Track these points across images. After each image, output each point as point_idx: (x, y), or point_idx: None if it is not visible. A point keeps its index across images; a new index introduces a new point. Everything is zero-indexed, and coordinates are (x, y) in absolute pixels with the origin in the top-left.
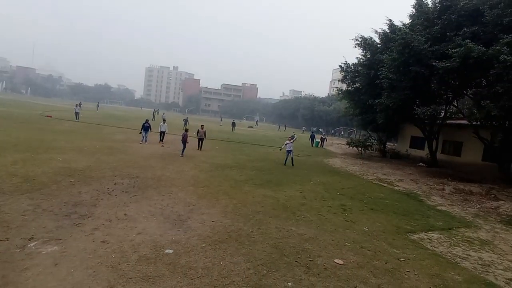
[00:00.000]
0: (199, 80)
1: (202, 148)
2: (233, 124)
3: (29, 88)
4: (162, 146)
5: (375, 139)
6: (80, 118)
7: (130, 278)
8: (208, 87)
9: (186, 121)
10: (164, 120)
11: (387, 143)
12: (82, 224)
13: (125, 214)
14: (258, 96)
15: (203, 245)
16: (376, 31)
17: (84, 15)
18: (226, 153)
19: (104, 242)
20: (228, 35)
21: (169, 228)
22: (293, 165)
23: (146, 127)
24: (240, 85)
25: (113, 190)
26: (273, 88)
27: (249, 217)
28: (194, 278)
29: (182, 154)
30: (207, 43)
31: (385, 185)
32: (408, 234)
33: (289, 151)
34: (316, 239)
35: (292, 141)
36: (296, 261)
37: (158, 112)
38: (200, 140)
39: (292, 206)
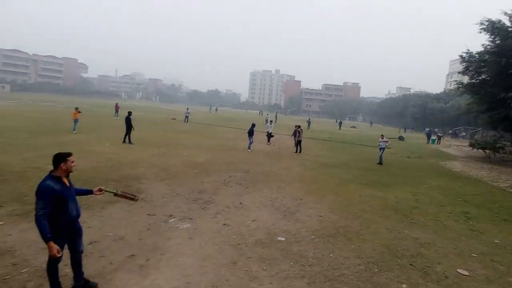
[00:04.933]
0: (300, 81)
1: (301, 150)
2: (340, 124)
3: (157, 96)
4: (268, 144)
5: (507, 140)
6: (188, 121)
7: (249, 257)
8: (309, 88)
9: (308, 122)
10: (268, 121)
11: None
12: (207, 208)
13: (240, 203)
14: (360, 96)
15: (312, 237)
16: (505, 13)
17: (194, 29)
18: (329, 152)
19: (226, 225)
20: (327, 36)
21: (279, 218)
22: (380, 163)
23: (251, 132)
24: (342, 84)
25: (229, 182)
26: (377, 86)
27: (356, 215)
28: (306, 265)
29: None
30: (306, 45)
31: None
32: None
33: (381, 148)
34: (434, 245)
35: (384, 139)
36: (410, 265)
37: (262, 114)
38: (298, 142)
39: (403, 209)
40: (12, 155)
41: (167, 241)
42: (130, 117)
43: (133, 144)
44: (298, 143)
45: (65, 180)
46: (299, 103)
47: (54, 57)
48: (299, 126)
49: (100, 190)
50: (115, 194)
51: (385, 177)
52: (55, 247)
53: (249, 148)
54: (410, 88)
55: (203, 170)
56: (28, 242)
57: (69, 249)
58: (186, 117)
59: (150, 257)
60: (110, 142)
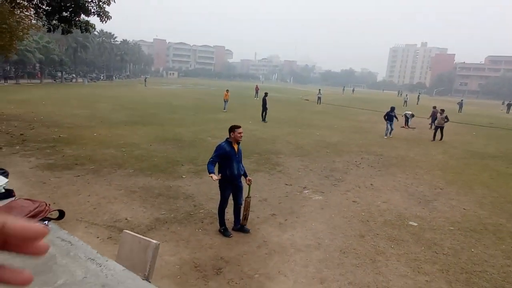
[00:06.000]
0: (454, 55)
1: (442, 138)
2: (509, 106)
3: (292, 78)
4: (407, 128)
5: None
6: (321, 102)
7: (377, 234)
8: (466, 62)
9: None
10: (411, 114)
11: None
12: (337, 185)
13: (371, 184)
14: None
15: (451, 228)
16: None
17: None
18: (487, 140)
19: (355, 202)
20: None
21: (413, 204)
22: None
23: (391, 116)
24: None
25: (360, 163)
26: None
27: None
28: (439, 253)
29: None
30: (459, 9)
31: None
32: None
33: None
34: None
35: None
36: None
37: (401, 94)
38: (438, 128)
39: None
40: (184, 127)
41: (301, 208)
42: (266, 98)
43: (267, 122)
44: (436, 129)
45: (235, 146)
46: (450, 81)
47: (207, 46)
48: (442, 110)
49: (249, 181)
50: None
51: None
52: (214, 176)
53: (386, 134)
54: None
55: (335, 150)
56: (202, 192)
57: (233, 199)
58: (319, 98)
59: (287, 218)
60: (252, 120)
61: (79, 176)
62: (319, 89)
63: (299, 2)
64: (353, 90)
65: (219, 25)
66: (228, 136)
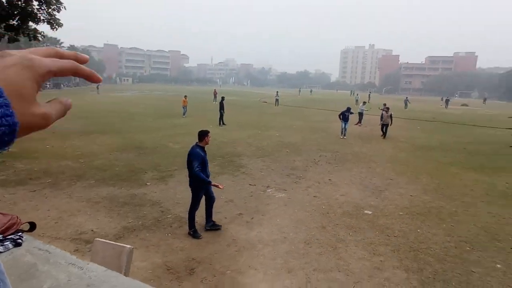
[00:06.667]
0: (398, 56)
1: (386, 136)
2: (447, 101)
3: (249, 81)
4: (359, 125)
5: None
6: (279, 104)
7: (337, 224)
8: (409, 62)
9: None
10: (362, 102)
11: None
12: (298, 182)
13: (329, 179)
14: (478, 67)
15: (400, 213)
16: None
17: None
18: (430, 134)
19: (316, 197)
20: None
21: (367, 195)
22: None
23: (345, 116)
24: (451, 55)
25: (318, 161)
26: (502, 55)
27: (453, 198)
28: (391, 236)
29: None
30: (403, 15)
31: None
32: None
33: None
34: None
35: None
36: (511, 248)
37: (353, 94)
38: (384, 126)
39: None
40: (144, 134)
41: (266, 206)
42: (223, 102)
43: (226, 125)
44: (382, 126)
45: (205, 150)
46: (396, 80)
47: (162, 51)
48: (385, 105)
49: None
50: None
51: (498, 161)
52: (216, 184)
53: (342, 134)
54: None
55: (294, 150)
56: (168, 197)
57: (205, 198)
58: (276, 100)
59: (253, 216)
60: (212, 124)
61: (35, 191)
62: (277, 91)
63: (252, 10)
64: (311, 91)
65: (176, 30)
66: (198, 141)
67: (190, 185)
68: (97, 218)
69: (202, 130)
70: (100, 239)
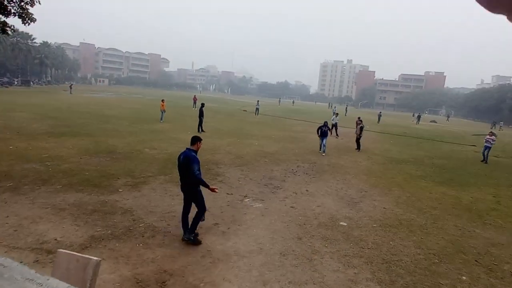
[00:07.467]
0: (374, 72)
1: (359, 148)
2: (418, 117)
3: (229, 88)
4: (336, 137)
5: None
6: (259, 113)
7: (313, 235)
8: (384, 78)
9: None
10: (336, 114)
11: None
12: (276, 192)
13: (306, 190)
14: (446, 86)
15: (374, 225)
16: None
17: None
18: (401, 147)
19: (293, 208)
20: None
21: (343, 206)
22: (486, 162)
23: (324, 132)
24: (423, 74)
25: (296, 171)
26: (467, 76)
27: (423, 211)
28: (365, 248)
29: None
30: (382, 35)
31: None
32: None
33: (487, 147)
34: (509, 247)
35: (493, 137)
36: (476, 261)
37: (331, 106)
38: (357, 138)
39: (479, 209)
40: (119, 138)
41: (243, 215)
42: (203, 108)
43: (205, 132)
44: (357, 139)
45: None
46: (372, 95)
47: (142, 53)
48: (359, 118)
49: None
50: None
51: (464, 176)
52: (214, 187)
53: (321, 150)
54: (511, 77)
55: (273, 159)
56: (141, 205)
57: (184, 206)
58: (257, 109)
59: (230, 226)
60: (191, 131)
61: None
62: (258, 101)
63: (236, 20)
64: (293, 102)
65: (156, 34)
66: (190, 145)
67: (184, 190)
68: (62, 226)
69: (196, 136)
70: (63, 250)
